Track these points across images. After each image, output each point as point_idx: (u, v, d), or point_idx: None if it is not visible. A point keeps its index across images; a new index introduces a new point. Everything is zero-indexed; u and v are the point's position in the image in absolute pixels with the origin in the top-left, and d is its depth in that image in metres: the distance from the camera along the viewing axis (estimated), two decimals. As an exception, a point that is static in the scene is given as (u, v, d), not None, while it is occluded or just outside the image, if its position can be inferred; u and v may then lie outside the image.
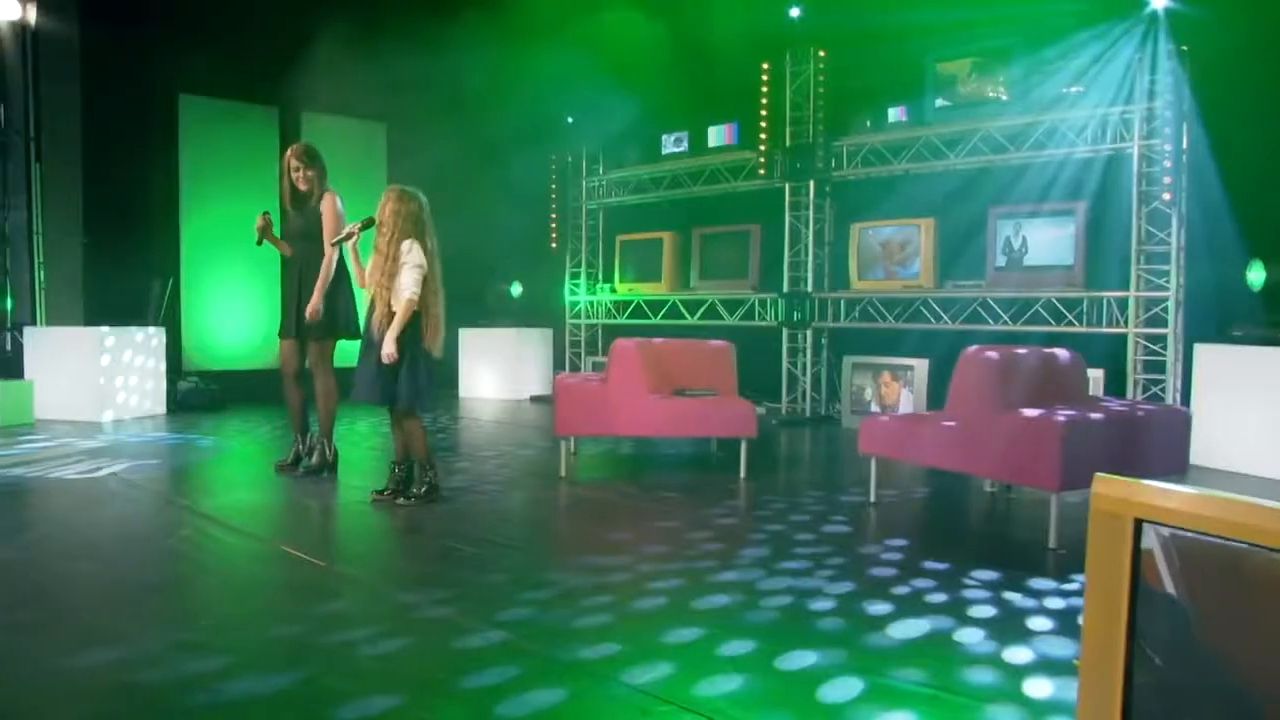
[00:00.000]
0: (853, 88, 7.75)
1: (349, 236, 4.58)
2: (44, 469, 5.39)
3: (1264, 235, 5.63)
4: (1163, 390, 6.14)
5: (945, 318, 7.20)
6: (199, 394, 8.51)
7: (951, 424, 4.21)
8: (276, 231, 5.38)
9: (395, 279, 4.34)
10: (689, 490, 5.03)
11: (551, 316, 10.22)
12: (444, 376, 10.23)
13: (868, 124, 7.70)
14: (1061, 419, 3.73)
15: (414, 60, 9.67)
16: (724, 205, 8.89)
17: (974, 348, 4.83)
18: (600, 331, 10.04)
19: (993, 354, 4.05)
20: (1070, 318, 6.52)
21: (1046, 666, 2.57)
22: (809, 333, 8.03)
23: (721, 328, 8.41)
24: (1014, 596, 3.19)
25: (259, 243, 5.35)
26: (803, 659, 2.60)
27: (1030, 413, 3.87)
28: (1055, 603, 3.13)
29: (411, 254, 4.37)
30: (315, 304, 5.12)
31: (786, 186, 8.07)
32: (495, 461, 5.87)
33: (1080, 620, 2.91)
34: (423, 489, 4.57)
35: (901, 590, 3.25)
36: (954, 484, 5.25)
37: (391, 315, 4.32)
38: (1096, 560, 1.86)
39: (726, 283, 8.59)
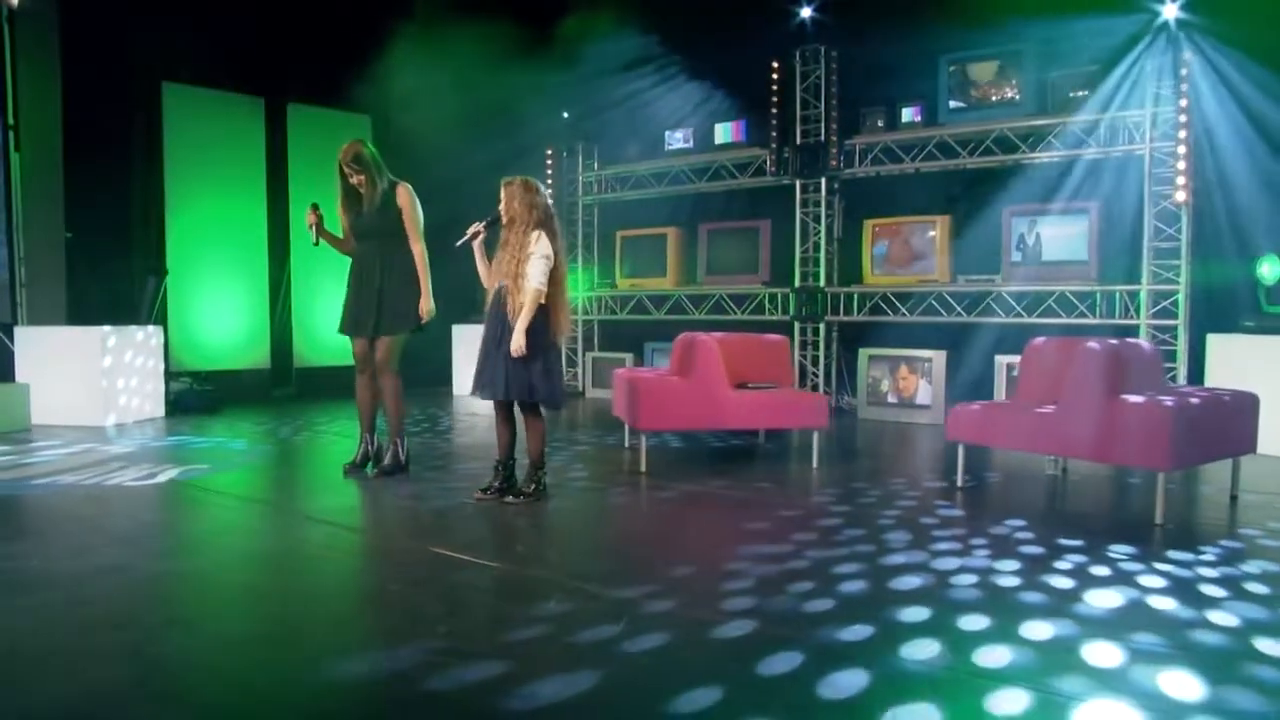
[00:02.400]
0: (865, 87, 8.02)
1: (475, 235, 4.50)
2: (92, 476, 5.13)
3: (1268, 233, 6.16)
4: (1173, 378, 6.62)
5: (959, 309, 7.54)
6: (194, 395, 8.18)
7: (1049, 410, 4.47)
8: (330, 226, 5.24)
9: (522, 268, 4.31)
10: (778, 482, 5.17)
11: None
12: (438, 373, 10.10)
13: (879, 123, 7.98)
14: (1170, 404, 4.03)
15: (401, 51, 9.49)
16: (727, 201, 9.07)
17: (1041, 339, 5.16)
18: (597, 327, 10.07)
19: (1095, 345, 4.33)
20: (1082, 309, 6.95)
21: (1261, 629, 2.81)
22: (821, 326, 8.28)
23: (729, 322, 8.59)
24: (1167, 568, 3.44)
25: (315, 242, 5.19)
26: (1041, 630, 2.77)
27: (1135, 399, 4.16)
28: (1208, 572, 3.40)
29: (540, 244, 4.35)
30: (427, 304, 5.07)
31: (797, 184, 8.29)
32: (559, 458, 5.87)
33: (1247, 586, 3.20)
34: (532, 487, 4.57)
35: (1063, 565, 3.47)
36: (1016, 466, 5.56)
37: (517, 309, 4.31)
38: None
39: (735, 278, 8.76)
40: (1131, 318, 6.74)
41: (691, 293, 9.08)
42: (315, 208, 5.13)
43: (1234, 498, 4.64)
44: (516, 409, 4.62)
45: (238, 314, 9.27)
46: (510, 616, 2.90)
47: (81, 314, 7.86)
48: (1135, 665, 2.52)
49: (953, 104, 7.50)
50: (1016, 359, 7.02)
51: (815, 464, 5.50)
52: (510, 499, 4.53)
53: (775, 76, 8.31)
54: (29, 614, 2.92)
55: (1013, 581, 3.27)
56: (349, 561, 3.64)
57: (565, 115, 9.85)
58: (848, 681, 2.40)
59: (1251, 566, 3.47)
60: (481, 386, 4.46)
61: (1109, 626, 2.82)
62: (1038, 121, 7.12)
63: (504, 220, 4.44)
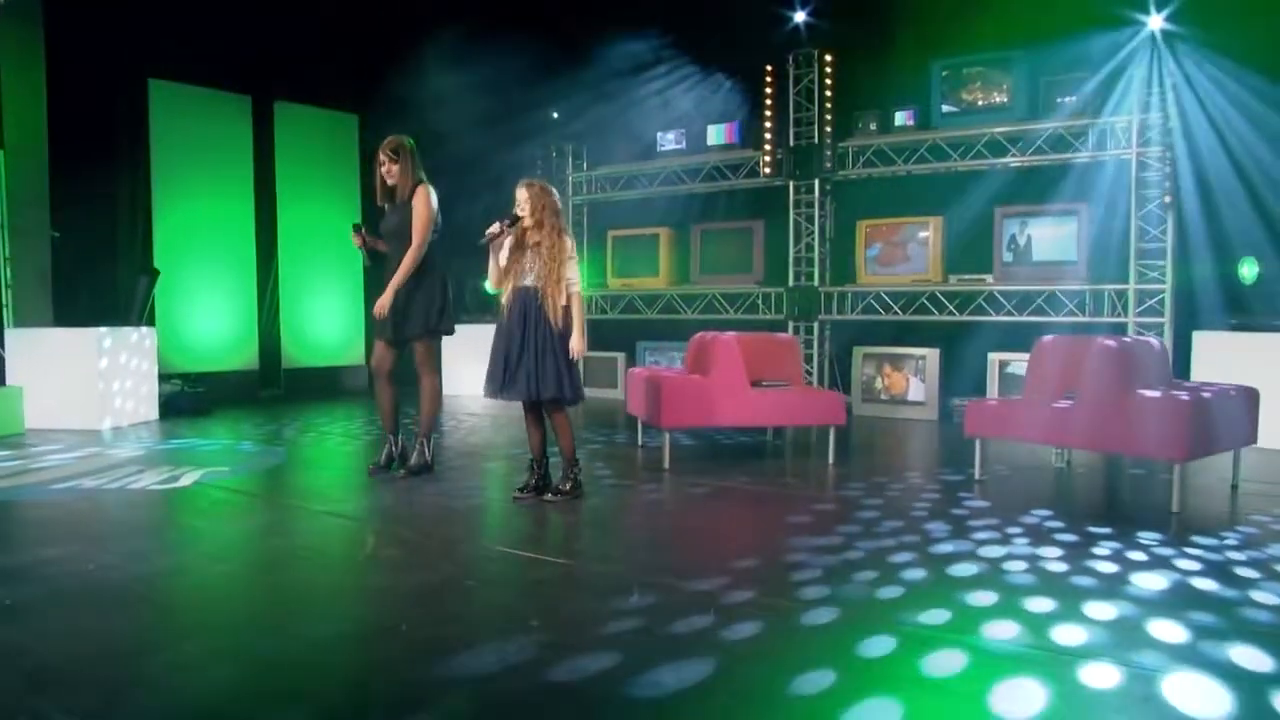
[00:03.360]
0: (858, 91, 8.21)
1: (499, 235, 4.53)
2: (113, 480, 5.06)
3: (1248, 235, 6.48)
4: (1157, 372, 6.92)
5: (951, 309, 7.78)
6: (185, 397, 8.06)
7: (1066, 405, 4.68)
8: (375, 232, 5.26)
9: (560, 271, 4.40)
10: (800, 477, 5.33)
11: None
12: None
13: (872, 126, 8.18)
14: (1186, 398, 4.26)
15: (389, 50, 9.45)
16: (719, 202, 9.21)
17: (1049, 337, 5.36)
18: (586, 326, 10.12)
19: (1112, 342, 4.55)
20: (1072, 307, 7.23)
21: (1302, 606, 3.03)
22: (815, 325, 8.45)
23: (722, 321, 8.72)
24: (1197, 552, 3.64)
25: (369, 262, 5.21)
26: (1104, 610, 2.94)
27: (1152, 393, 4.38)
28: (1237, 555, 3.61)
29: (571, 248, 4.46)
30: (385, 301, 4.99)
31: (790, 185, 8.45)
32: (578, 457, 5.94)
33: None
34: (568, 485, 4.64)
35: (1101, 552, 3.65)
36: (1022, 459, 5.77)
37: (562, 310, 4.39)
38: None
39: (729, 278, 8.90)
40: (1119, 315, 7.02)
41: (684, 292, 9.20)
42: (357, 228, 5.14)
43: (1235, 487, 4.90)
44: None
45: (225, 315, 9.15)
46: (599, 610, 2.97)
47: (68, 315, 7.70)
48: (1202, 641, 2.69)
49: (945, 108, 7.73)
50: (1010, 356, 7.32)
51: (831, 459, 5.65)
52: (549, 497, 4.59)
53: (769, 80, 8.46)
54: (115, 621, 2.91)
55: (1061, 567, 3.44)
56: (412, 560, 3.67)
57: (555, 115, 9.89)
58: (947, 662, 2.53)
59: (1275, 550, 3.69)
60: (506, 388, 4.48)
61: (1164, 606, 3.00)
62: (1028, 126, 7.38)
63: (528, 221, 4.48)
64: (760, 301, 8.76)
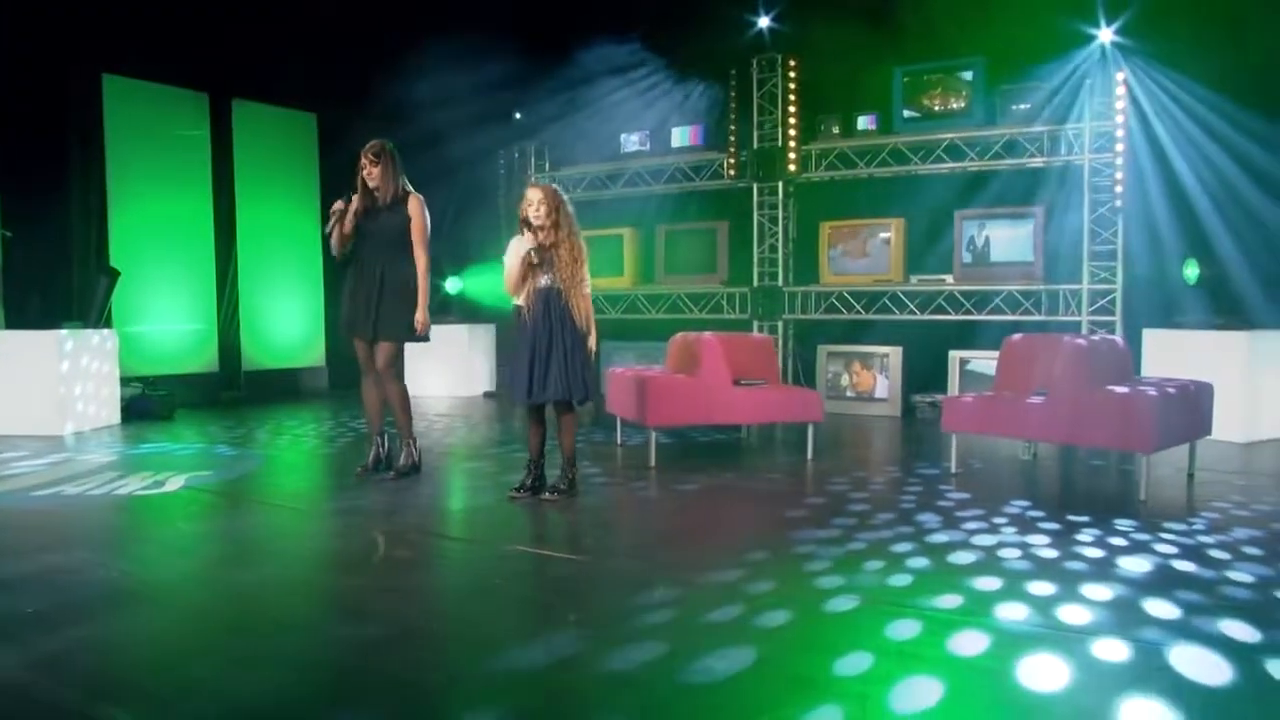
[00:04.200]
0: (822, 96, 8.44)
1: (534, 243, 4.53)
2: (96, 486, 4.97)
3: (1194, 237, 6.87)
4: (1107, 367, 7.28)
5: (912, 307, 8.05)
6: (147, 401, 7.88)
7: (1039, 401, 4.93)
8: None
9: (582, 272, 4.50)
10: (786, 473, 5.48)
11: (497, 313, 10.21)
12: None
13: (835, 130, 8.40)
14: (1153, 393, 4.54)
15: (347, 49, 9.35)
16: (683, 203, 9.35)
17: (1018, 335, 5.63)
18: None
19: (1082, 341, 4.81)
20: (1028, 306, 7.55)
21: (1276, 584, 3.27)
22: (779, 324, 8.65)
23: (688, 321, 8.85)
24: (1170, 537, 3.89)
25: (329, 228, 5.13)
26: (1102, 592, 3.15)
27: (1121, 389, 4.65)
28: (1206, 539, 3.87)
29: (585, 252, 4.56)
30: (423, 317, 5.08)
31: (754, 187, 8.64)
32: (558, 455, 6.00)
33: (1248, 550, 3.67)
34: (565, 484, 4.71)
35: (1085, 538, 3.88)
36: (989, 452, 6.02)
37: (584, 312, 4.49)
38: None
39: (694, 278, 9.05)
40: (1073, 314, 7.36)
41: (648, 292, 9.31)
42: (343, 202, 5.11)
43: (1191, 476, 5.21)
44: (549, 409, 4.74)
45: (184, 316, 8.95)
46: (628, 604, 3.07)
47: (19, 318, 7.47)
48: (1193, 617, 2.91)
49: (906, 113, 7.99)
50: (970, 354, 7.61)
51: (810, 455, 5.83)
52: (547, 495, 4.66)
53: (734, 83, 8.63)
54: (152, 626, 2.91)
55: (1051, 553, 3.65)
56: (429, 561, 3.71)
57: (518, 116, 9.91)
58: (972, 643, 2.69)
59: (1239, 534, 3.96)
60: (537, 391, 4.52)
61: (1153, 587, 3.22)
62: (985, 132, 7.68)
63: (545, 222, 4.53)
64: (725, 301, 8.92)
